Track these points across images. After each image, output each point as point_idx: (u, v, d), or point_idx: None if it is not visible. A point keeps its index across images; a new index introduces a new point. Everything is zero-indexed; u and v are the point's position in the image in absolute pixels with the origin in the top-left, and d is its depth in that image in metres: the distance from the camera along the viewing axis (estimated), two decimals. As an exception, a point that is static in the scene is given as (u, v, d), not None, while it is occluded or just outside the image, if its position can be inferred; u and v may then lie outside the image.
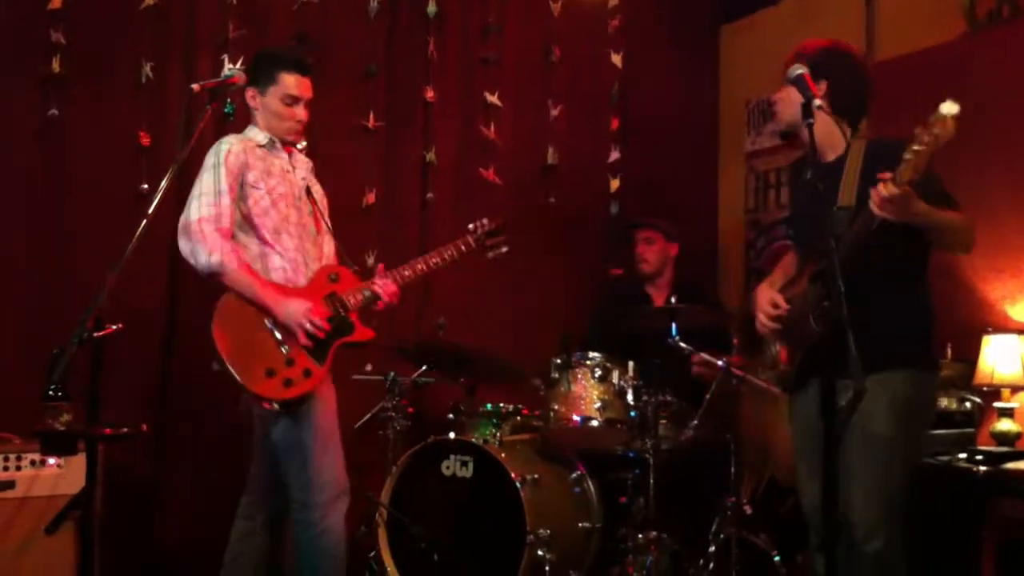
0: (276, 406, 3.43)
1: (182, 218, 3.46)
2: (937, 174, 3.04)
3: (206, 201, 3.46)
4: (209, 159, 3.55)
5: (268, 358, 3.43)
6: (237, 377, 3.35)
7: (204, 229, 3.41)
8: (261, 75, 3.69)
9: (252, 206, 3.58)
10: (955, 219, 2.99)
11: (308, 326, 3.47)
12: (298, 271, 3.64)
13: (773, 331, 3.35)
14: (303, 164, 3.86)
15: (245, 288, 3.44)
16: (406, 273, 3.86)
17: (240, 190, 3.56)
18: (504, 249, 4.19)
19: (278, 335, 3.47)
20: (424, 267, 3.92)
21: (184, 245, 3.44)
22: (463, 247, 4.05)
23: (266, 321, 3.47)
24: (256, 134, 3.70)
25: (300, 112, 3.73)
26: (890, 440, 3.02)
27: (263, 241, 3.59)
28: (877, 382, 2.84)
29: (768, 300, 3.32)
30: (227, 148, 3.56)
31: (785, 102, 3.28)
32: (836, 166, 3.14)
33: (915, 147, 2.63)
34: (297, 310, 3.46)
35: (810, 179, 2.96)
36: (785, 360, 3.33)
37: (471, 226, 4.13)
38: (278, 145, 3.74)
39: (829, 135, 3.19)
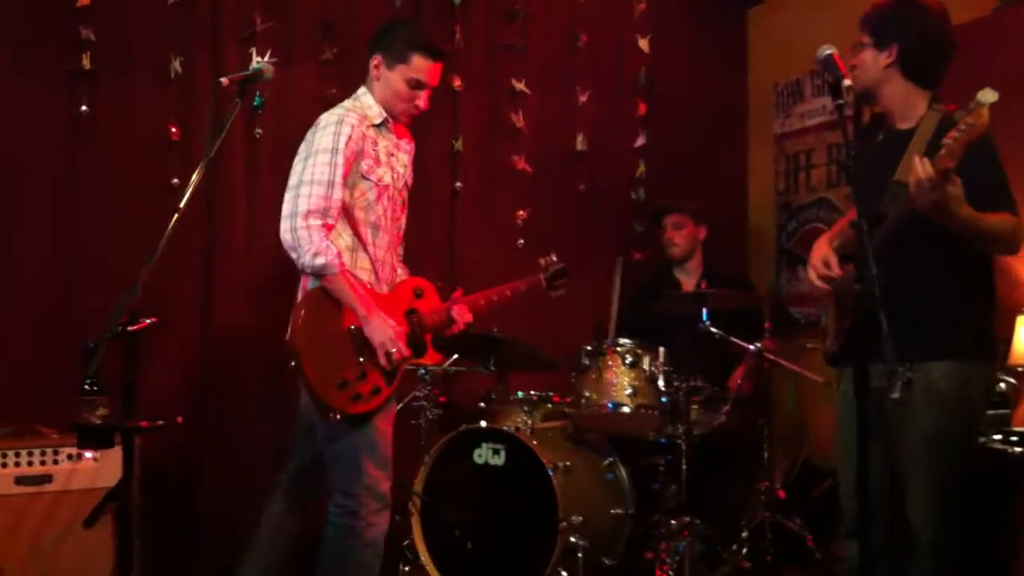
0: (338, 417, 3.32)
1: (288, 205, 3.33)
2: (1000, 171, 2.98)
3: (317, 192, 3.31)
4: (324, 139, 3.38)
5: (344, 367, 3.32)
6: (311, 380, 3.27)
7: (311, 226, 3.28)
8: (393, 47, 3.54)
9: (357, 198, 3.45)
10: (997, 228, 2.89)
11: (392, 352, 3.36)
12: (383, 274, 3.55)
13: (827, 298, 3.24)
14: (407, 148, 3.72)
15: (343, 293, 3.32)
16: (481, 302, 3.81)
17: (350, 178, 3.41)
18: (563, 292, 4.13)
19: (358, 343, 3.36)
20: (497, 298, 3.88)
21: (287, 238, 3.30)
22: (534, 285, 4.02)
23: (351, 327, 3.36)
24: (371, 108, 3.55)
25: (422, 98, 3.59)
26: (933, 434, 2.95)
27: (358, 236, 3.47)
28: (924, 371, 2.81)
29: (820, 257, 3.15)
30: (348, 132, 3.39)
31: (861, 66, 3.13)
32: (906, 136, 3.03)
33: (953, 136, 2.58)
34: (387, 333, 3.35)
35: (844, 160, 2.87)
36: (836, 332, 3.23)
37: (541, 262, 4.09)
38: (390, 124, 3.61)
39: (903, 102, 3.10)
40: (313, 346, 3.29)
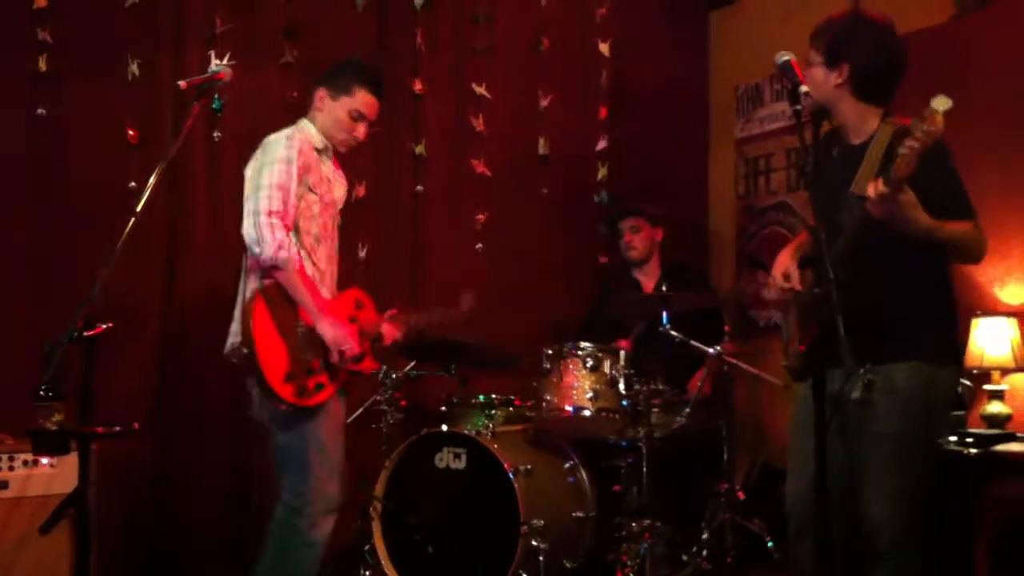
0: (286, 407, 3.42)
1: (250, 205, 3.45)
2: (958, 180, 3.00)
3: (276, 195, 3.45)
4: (278, 150, 3.53)
5: (291, 361, 3.43)
6: (262, 370, 3.35)
7: (274, 224, 3.41)
8: (338, 81, 3.74)
9: (304, 209, 3.58)
10: (959, 234, 2.92)
11: (345, 348, 3.51)
12: (323, 283, 3.67)
13: (787, 308, 3.26)
14: (342, 183, 3.89)
15: (298, 290, 3.46)
16: (411, 322, 4.03)
17: (298, 189, 3.55)
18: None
19: (304, 342, 3.48)
20: (427, 322, 4.13)
21: (250, 232, 3.42)
22: (457, 316, 4.22)
23: (299, 325, 3.48)
24: (314, 135, 3.72)
25: (362, 130, 3.79)
26: (897, 434, 2.96)
27: (302, 246, 3.59)
28: (886, 373, 2.83)
29: (782, 269, 3.19)
30: (299, 146, 3.56)
31: (812, 83, 3.07)
32: (859, 150, 3.05)
33: (909, 144, 2.60)
34: (340, 332, 3.51)
35: (802, 165, 2.88)
36: (798, 344, 3.22)
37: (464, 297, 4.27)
38: (330, 152, 3.78)
39: (856, 118, 3.12)
40: (266, 338, 3.39)
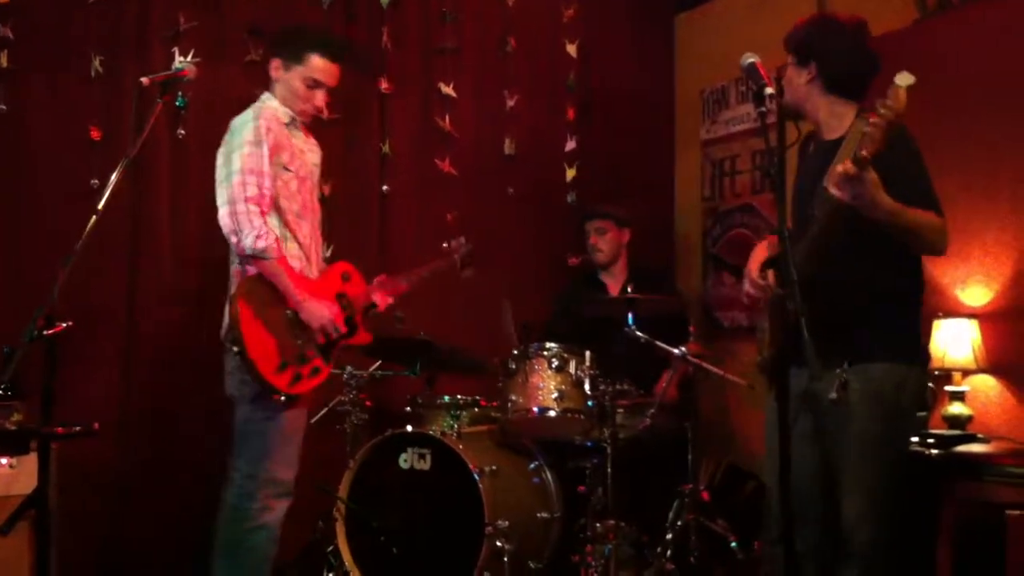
0: (283, 399, 3.43)
1: (226, 193, 3.42)
2: (925, 173, 3.04)
3: (251, 180, 3.42)
4: (245, 134, 3.48)
5: (284, 350, 3.44)
6: (255, 364, 3.35)
7: (251, 211, 3.39)
8: (289, 49, 3.68)
9: (281, 188, 3.55)
10: (923, 221, 2.95)
11: (329, 328, 3.53)
12: (311, 260, 3.68)
13: (764, 309, 3.28)
14: (315, 149, 3.84)
15: (280, 278, 3.46)
16: (403, 285, 4.07)
17: (272, 169, 3.52)
18: (471, 273, 4.45)
19: (295, 327, 3.50)
20: (417, 279, 4.17)
21: (227, 222, 3.39)
22: (450, 265, 4.34)
23: (287, 311, 3.49)
24: (278, 108, 3.66)
25: (319, 98, 3.72)
26: (869, 434, 2.99)
27: (285, 224, 3.58)
28: (858, 374, 2.86)
29: (757, 266, 3.23)
30: (265, 125, 3.50)
31: (787, 84, 3.22)
32: (834, 145, 3.09)
33: (873, 121, 2.64)
34: (324, 313, 3.52)
35: (767, 167, 2.91)
36: (770, 344, 3.28)
37: (450, 244, 4.38)
38: (298, 123, 3.73)
39: (829, 114, 3.17)
40: (254, 331, 3.38)
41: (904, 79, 2.60)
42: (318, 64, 3.66)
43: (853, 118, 3.13)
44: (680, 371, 4.70)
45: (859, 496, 3.02)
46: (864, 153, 2.67)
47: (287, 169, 3.57)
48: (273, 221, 3.53)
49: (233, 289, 3.50)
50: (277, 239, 3.45)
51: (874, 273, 3.03)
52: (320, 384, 3.59)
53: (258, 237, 3.37)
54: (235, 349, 3.38)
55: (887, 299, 3.06)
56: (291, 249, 3.58)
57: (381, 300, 3.90)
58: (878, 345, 3.02)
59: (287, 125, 3.65)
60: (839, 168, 2.77)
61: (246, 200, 3.38)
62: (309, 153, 3.77)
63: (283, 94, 3.68)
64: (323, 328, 3.52)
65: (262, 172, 3.45)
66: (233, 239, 3.40)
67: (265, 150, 3.47)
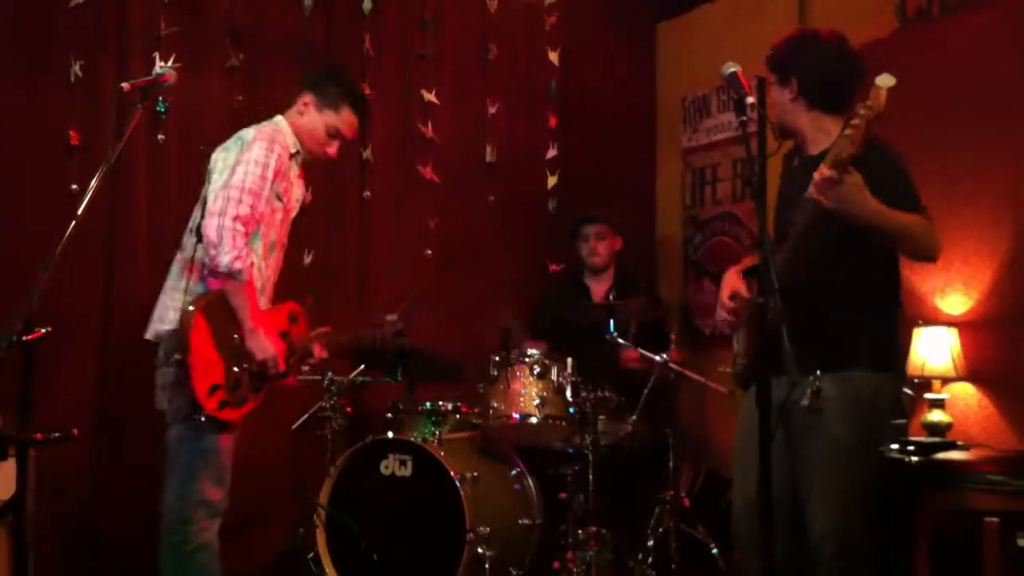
0: (203, 419, 3.36)
1: (217, 204, 3.34)
2: (908, 175, 3.05)
3: (247, 200, 3.37)
4: (259, 152, 3.44)
5: (219, 372, 3.38)
6: (191, 378, 3.30)
7: (236, 230, 3.32)
8: (329, 92, 3.67)
9: (267, 215, 3.51)
10: (909, 223, 2.94)
11: (271, 366, 3.47)
12: (266, 290, 3.63)
13: (736, 322, 3.27)
14: (300, 186, 3.81)
15: (240, 304, 3.40)
16: (341, 340, 4.00)
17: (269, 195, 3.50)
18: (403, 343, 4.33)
19: (238, 355, 3.43)
20: (349, 342, 4.17)
21: (212, 235, 3.31)
22: (383, 336, 4.19)
23: (235, 336, 3.43)
24: (290, 139, 3.64)
25: (334, 149, 3.74)
26: (844, 441, 2.99)
27: (258, 253, 3.54)
28: (833, 381, 2.87)
29: (729, 291, 3.23)
30: (279, 152, 3.49)
31: (772, 104, 3.16)
32: (818, 159, 3.03)
33: (853, 123, 2.65)
34: (270, 350, 3.45)
35: (748, 176, 2.93)
36: (744, 352, 3.28)
37: (388, 318, 4.21)
38: (300, 158, 3.71)
39: (814, 129, 3.18)
40: (199, 346, 3.33)
41: (885, 80, 2.63)
42: (349, 118, 3.71)
43: (839, 132, 3.13)
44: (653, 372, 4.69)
45: (831, 503, 3.01)
46: (843, 155, 2.67)
47: (279, 199, 3.55)
48: (256, 245, 3.51)
49: (189, 303, 3.40)
50: (252, 265, 3.42)
51: (850, 281, 3.04)
52: (242, 417, 3.49)
53: (236, 258, 3.31)
54: (177, 356, 3.32)
55: (863, 306, 3.07)
56: (253, 275, 3.52)
57: (318, 352, 3.80)
58: (853, 352, 3.02)
59: (292, 156, 3.63)
60: (817, 174, 2.77)
61: (236, 218, 3.32)
62: (297, 188, 3.76)
63: (302, 129, 3.67)
64: (265, 363, 3.46)
65: (259, 196, 3.40)
66: (212, 251, 3.33)
67: (271, 174, 3.44)
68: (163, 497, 3.50)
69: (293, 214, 3.74)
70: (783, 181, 3.38)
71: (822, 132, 3.17)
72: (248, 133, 3.53)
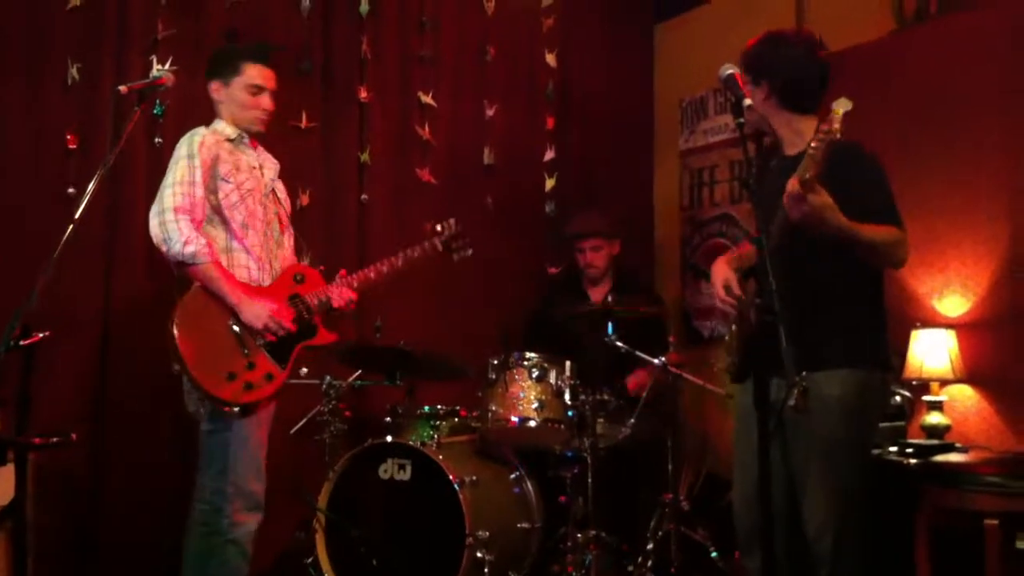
0: (236, 410, 3.44)
1: (155, 206, 3.49)
2: (885, 183, 3.05)
3: (180, 191, 3.48)
4: (181, 149, 3.57)
5: (229, 361, 3.45)
6: (199, 381, 3.37)
7: (179, 219, 3.44)
8: (224, 67, 3.75)
9: (222, 199, 3.60)
10: (878, 236, 2.94)
11: (272, 326, 3.52)
12: (263, 269, 3.68)
13: (728, 317, 3.29)
14: (271, 164, 3.89)
15: (214, 283, 3.47)
16: (369, 275, 3.97)
17: (211, 182, 3.58)
18: (469, 252, 4.29)
19: (240, 336, 3.49)
20: (388, 268, 4.03)
21: (157, 232, 3.45)
22: (429, 248, 4.14)
23: (229, 321, 3.49)
24: (224, 128, 3.73)
25: (266, 101, 3.78)
26: (833, 439, 3.00)
27: (232, 235, 3.61)
28: (820, 380, 2.87)
29: (723, 280, 3.22)
30: (199, 139, 3.59)
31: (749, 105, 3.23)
32: (794, 161, 3.04)
33: (812, 144, 2.66)
34: (262, 311, 3.51)
35: (744, 178, 2.94)
36: (738, 348, 3.28)
37: (438, 227, 4.21)
38: (246, 139, 3.78)
39: (789, 130, 3.19)
40: (195, 347, 3.40)
41: (841, 105, 2.65)
42: (255, 70, 3.75)
43: (813, 133, 3.14)
44: (657, 378, 4.69)
45: (822, 503, 3.03)
46: (808, 175, 2.69)
47: (226, 181, 3.61)
48: (219, 232, 3.59)
49: (170, 312, 3.48)
50: (209, 243, 3.49)
51: (833, 280, 3.05)
52: (279, 390, 3.57)
53: (186, 243, 3.41)
54: (175, 368, 3.43)
55: (847, 306, 3.08)
56: (239, 259, 3.62)
57: (338, 296, 3.83)
58: (839, 351, 3.03)
59: (232, 141, 3.71)
60: (788, 187, 2.78)
61: (174, 209, 3.45)
62: (264, 168, 3.81)
63: (230, 111, 3.74)
64: (266, 327, 3.52)
65: (192, 183, 3.51)
66: (163, 248, 3.45)
67: (197, 162, 3.54)
68: (195, 491, 3.55)
69: (263, 192, 3.77)
70: (759, 180, 3.37)
71: (796, 133, 3.18)
72: (180, 140, 3.65)
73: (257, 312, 3.51)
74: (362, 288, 3.94)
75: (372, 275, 3.98)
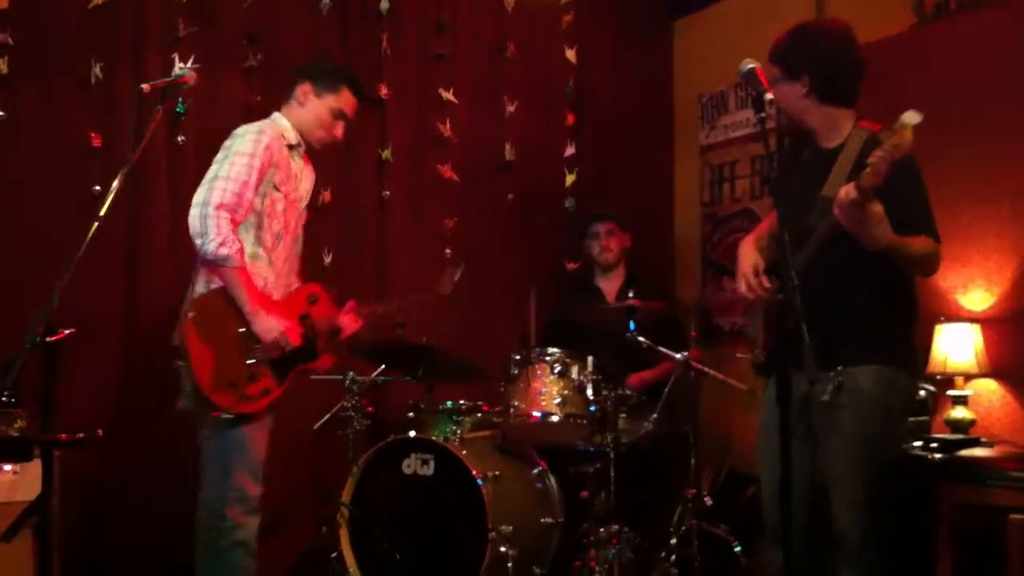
0: (228, 416, 3.43)
1: (200, 195, 3.41)
2: (925, 197, 3.03)
3: (231, 188, 3.42)
4: (244, 144, 3.50)
5: (232, 369, 3.43)
6: (199, 381, 3.37)
7: (220, 216, 3.37)
8: (325, 77, 3.76)
9: (267, 206, 3.57)
10: (919, 251, 2.95)
11: (284, 343, 3.50)
12: (279, 282, 3.65)
13: (755, 308, 3.26)
14: (309, 175, 3.87)
15: (238, 289, 3.43)
16: (377, 310, 4.04)
17: (261, 186, 3.53)
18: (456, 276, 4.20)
19: (246, 347, 3.47)
20: (397, 307, 4.17)
21: (195, 224, 3.38)
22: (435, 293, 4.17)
23: (240, 329, 3.46)
24: (288, 130, 3.70)
25: (340, 130, 3.79)
26: (860, 436, 3.00)
27: (261, 243, 3.57)
28: (854, 375, 2.87)
29: (752, 264, 3.20)
30: (267, 141, 3.54)
31: (781, 100, 3.15)
32: (832, 154, 3.09)
33: (877, 154, 2.63)
34: (275, 325, 3.48)
35: (766, 173, 2.94)
36: (763, 342, 3.26)
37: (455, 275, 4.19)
38: (301, 149, 3.76)
39: (827, 123, 3.16)
40: (204, 350, 3.38)
41: (911, 117, 2.61)
42: (349, 98, 3.77)
43: (851, 126, 3.13)
44: (677, 375, 4.68)
45: (849, 498, 3.03)
46: (866, 184, 2.66)
47: (277, 190, 3.58)
48: (248, 236, 3.53)
49: (186, 305, 3.49)
50: (241, 249, 3.43)
51: (867, 279, 3.03)
52: (271, 405, 3.55)
53: (221, 244, 3.35)
54: (180, 362, 3.42)
55: (878, 303, 3.07)
56: (259, 268, 3.57)
57: (347, 324, 3.84)
58: (869, 349, 3.03)
59: (291, 147, 3.68)
60: (842, 192, 2.76)
61: (218, 206, 3.38)
62: (303, 179, 3.80)
63: (303, 118, 3.72)
64: (276, 342, 3.48)
65: (246, 183, 3.44)
66: (197, 241, 3.38)
67: (257, 163, 3.48)
68: (199, 496, 3.56)
69: (301, 204, 3.78)
70: (791, 173, 3.35)
71: (835, 126, 3.16)
72: (239, 129, 3.59)
73: (270, 326, 3.47)
74: (368, 320, 3.96)
75: (380, 310, 4.05)
